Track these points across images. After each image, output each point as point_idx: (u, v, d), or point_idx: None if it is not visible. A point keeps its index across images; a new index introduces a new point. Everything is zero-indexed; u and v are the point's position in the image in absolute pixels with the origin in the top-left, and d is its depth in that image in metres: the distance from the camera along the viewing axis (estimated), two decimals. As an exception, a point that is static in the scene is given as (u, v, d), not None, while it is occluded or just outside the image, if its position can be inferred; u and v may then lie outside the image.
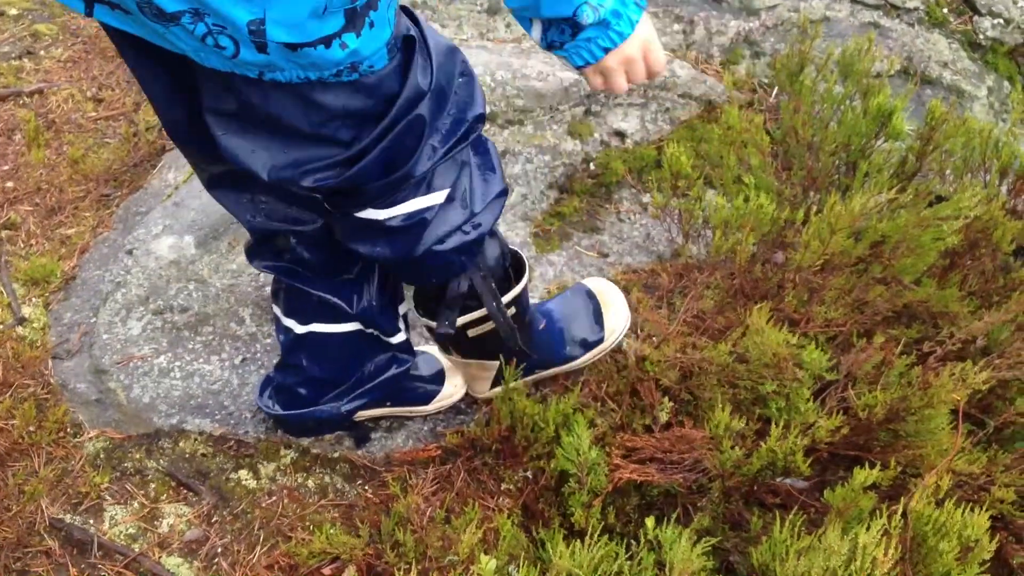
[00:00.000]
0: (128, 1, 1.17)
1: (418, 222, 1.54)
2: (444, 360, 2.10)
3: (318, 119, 1.33)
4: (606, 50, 1.44)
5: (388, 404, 2.03)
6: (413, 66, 1.36)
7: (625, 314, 2.12)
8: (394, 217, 1.52)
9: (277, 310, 1.85)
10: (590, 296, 2.13)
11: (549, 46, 1.46)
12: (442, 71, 1.41)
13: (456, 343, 1.92)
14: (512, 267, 1.82)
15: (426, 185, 1.51)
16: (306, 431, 2.02)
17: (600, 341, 2.09)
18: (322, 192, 1.45)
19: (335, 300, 1.76)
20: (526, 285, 1.86)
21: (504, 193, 1.65)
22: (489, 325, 1.83)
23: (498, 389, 1.98)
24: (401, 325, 1.91)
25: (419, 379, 2.05)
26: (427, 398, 2.06)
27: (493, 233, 1.74)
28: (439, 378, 2.08)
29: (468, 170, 1.57)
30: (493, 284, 1.76)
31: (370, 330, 1.85)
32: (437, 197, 1.53)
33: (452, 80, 1.45)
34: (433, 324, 1.82)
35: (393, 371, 1.94)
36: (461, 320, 1.81)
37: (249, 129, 1.36)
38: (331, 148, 1.37)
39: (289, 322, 1.83)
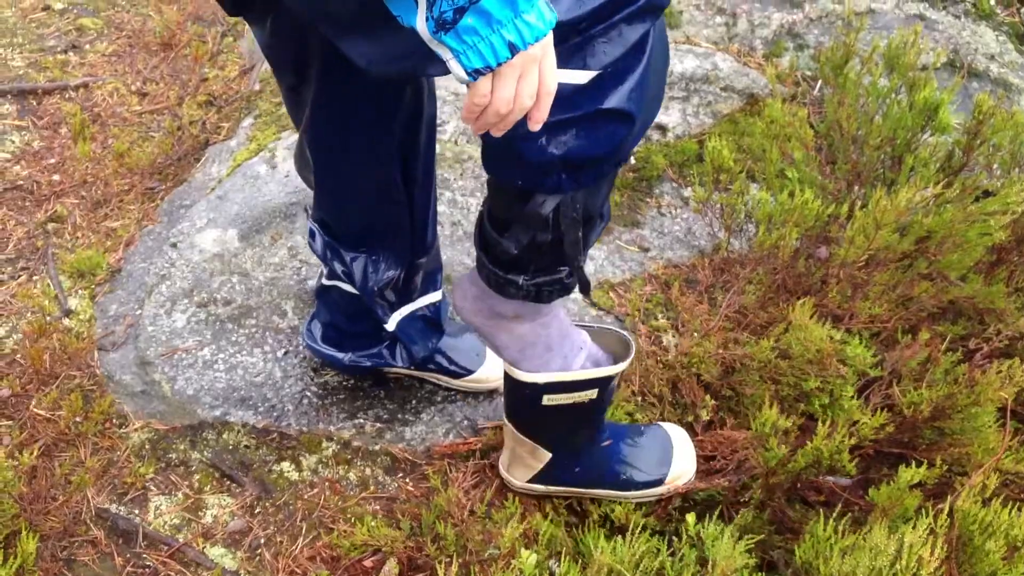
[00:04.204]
0: None
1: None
2: (487, 348, 2.09)
3: None
4: (512, 46, 1.07)
5: (413, 368, 2.06)
6: None
7: (692, 466, 1.92)
8: None
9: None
10: (664, 436, 1.95)
11: (440, 25, 1.05)
12: None
13: (519, 409, 1.80)
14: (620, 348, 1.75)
15: (580, 58, 1.23)
16: (332, 366, 2.11)
17: (661, 481, 1.90)
18: None
19: (345, 270, 1.85)
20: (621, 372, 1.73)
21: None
22: (570, 399, 1.70)
23: (537, 487, 1.90)
24: (389, 322, 1.94)
25: (455, 355, 2.06)
26: (456, 375, 2.08)
27: (609, 181, 1.46)
28: (475, 361, 2.08)
29: (640, 65, 1.27)
30: (580, 234, 1.45)
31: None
32: (580, 76, 1.24)
33: None
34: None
35: (383, 348, 2.01)
36: (535, 280, 1.53)
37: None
38: None
39: (324, 269, 1.95)
